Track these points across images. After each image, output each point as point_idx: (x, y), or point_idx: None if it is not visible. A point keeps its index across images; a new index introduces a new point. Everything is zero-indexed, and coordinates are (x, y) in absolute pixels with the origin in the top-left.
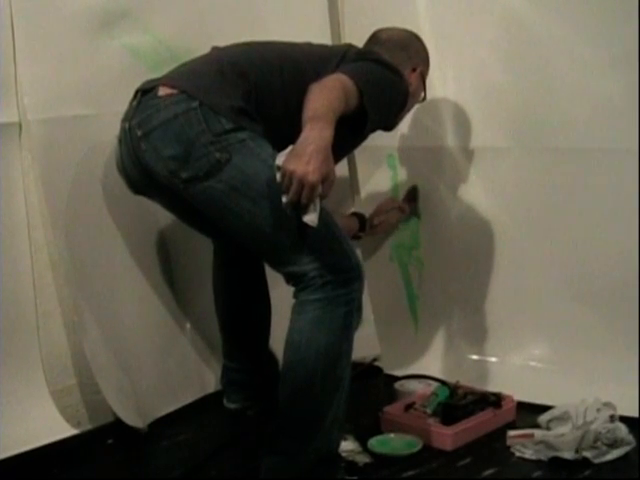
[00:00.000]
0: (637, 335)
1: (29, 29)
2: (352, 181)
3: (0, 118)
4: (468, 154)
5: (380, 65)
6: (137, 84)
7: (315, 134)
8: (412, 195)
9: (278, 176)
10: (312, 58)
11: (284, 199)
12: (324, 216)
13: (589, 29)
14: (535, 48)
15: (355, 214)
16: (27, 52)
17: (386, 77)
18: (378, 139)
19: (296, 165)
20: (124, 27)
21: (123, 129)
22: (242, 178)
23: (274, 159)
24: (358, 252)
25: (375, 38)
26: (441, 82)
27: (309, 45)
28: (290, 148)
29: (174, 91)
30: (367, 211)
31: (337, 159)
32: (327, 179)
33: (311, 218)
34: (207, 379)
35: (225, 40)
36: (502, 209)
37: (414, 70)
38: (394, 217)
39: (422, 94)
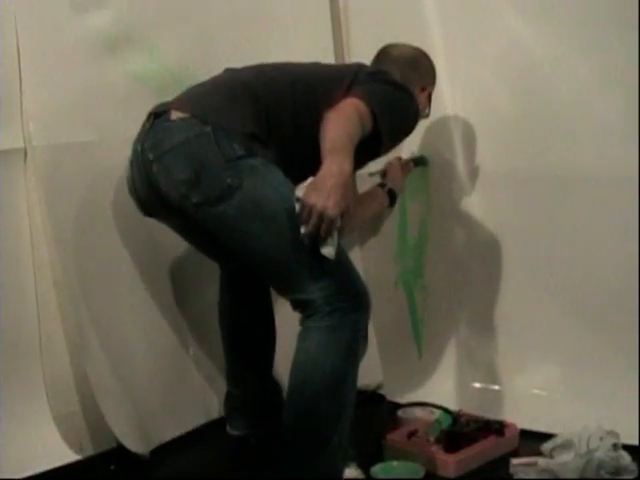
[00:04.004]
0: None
1: (35, 55)
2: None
3: (5, 144)
4: (472, 177)
5: (392, 87)
6: (142, 109)
7: (335, 168)
8: (418, 161)
9: (297, 207)
10: (323, 79)
11: (302, 230)
12: None
13: (592, 55)
14: (538, 73)
15: (382, 185)
16: (33, 78)
17: (399, 99)
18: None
19: (316, 199)
20: (129, 52)
21: (135, 151)
22: (253, 204)
23: (285, 186)
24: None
25: (385, 55)
26: (450, 101)
27: (320, 65)
28: (310, 180)
29: (186, 115)
30: None
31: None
32: (346, 213)
33: (329, 251)
34: (211, 405)
35: (230, 63)
36: (506, 235)
37: (423, 89)
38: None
39: (427, 110)
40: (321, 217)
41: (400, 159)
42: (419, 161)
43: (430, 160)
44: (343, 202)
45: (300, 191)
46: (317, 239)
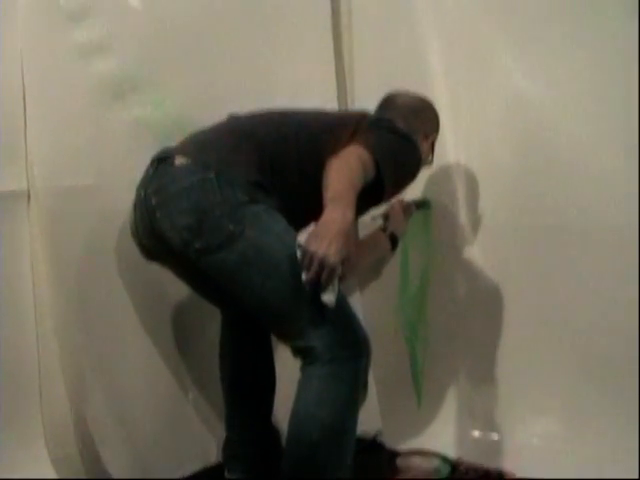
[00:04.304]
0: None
1: (40, 99)
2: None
3: (9, 186)
4: (474, 227)
5: (395, 135)
6: (145, 155)
7: (337, 216)
8: (420, 204)
9: (299, 253)
10: (327, 127)
11: (304, 276)
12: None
13: (593, 109)
14: (540, 127)
15: (383, 229)
16: (37, 121)
17: (401, 147)
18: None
19: (318, 246)
20: (133, 98)
21: (139, 196)
22: (255, 251)
23: (288, 234)
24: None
25: (389, 102)
26: (453, 150)
27: (324, 113)
28: (312, 227)
29: (190, 161)
30: None
31: None
32: (347, 261)
33: (329, 298)
34: (210, 450)
35: (233, 110)
36: (507, 285)
37: (426, 138)
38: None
39: (430, 158)
40: (322, 264)
41: (402, 202)
42: (421, 204)
43: (433, 209)
44: (344, 250)
45: (302, 237)
46: (318, 286)
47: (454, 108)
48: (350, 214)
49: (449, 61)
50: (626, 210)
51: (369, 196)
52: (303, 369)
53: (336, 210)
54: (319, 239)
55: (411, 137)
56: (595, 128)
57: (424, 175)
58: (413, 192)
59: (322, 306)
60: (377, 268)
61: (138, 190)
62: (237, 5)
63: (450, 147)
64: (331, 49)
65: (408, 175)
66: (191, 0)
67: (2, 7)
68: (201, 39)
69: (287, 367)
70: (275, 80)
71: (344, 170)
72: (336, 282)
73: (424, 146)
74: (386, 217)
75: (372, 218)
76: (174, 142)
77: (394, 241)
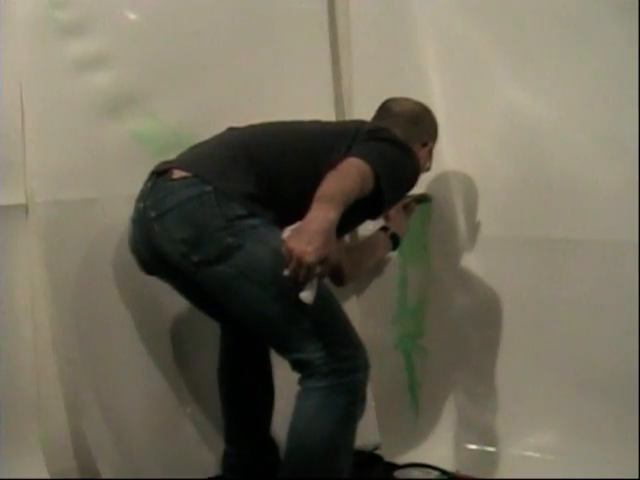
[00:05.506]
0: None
1: (38, 113)
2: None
3: (7, 200)
4: (472, 238)
5: (393, 145)
6: (142, 168)
7: (320, 215)
8: (421, 199)
9: (283, 249)
10: (325, 139)
11: (285, 272)
12: (332, 304)
13: (591, 120)
14: (538, 138)
15: (384, 228)
16: (35, 135)
17: (400, 159)
18: None
19: (296, 243)
20: (130, 112)
21: (137, 210)
22: (252, 265)
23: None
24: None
25: (386, 110)
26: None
27: (321, 124)
28: (297, 224)
29: (188, 174)
30: None
31: (347, 232)
32: (326, 261)
33: (306, 295)
34: (208, 463)
35: (231, 123)
36: (505, 298)
37: (424, 145)
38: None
39: (428, 164)
40: (299, 262)
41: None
42: (422, 199)
43: (431, 219)
44: (323, 249)
45: (286, 233)
46: (297, 283)
47: (451, 119)
48: (333, 215)
49: (446, 71)
50: (625, 222)
51: (369, 206)
52: (301, 382)
53: (320, 210)
54: (299, 236)
55: (409, 147)
56: (592, 139)
57: (423, 180)
58: None
59: (301, 304)
60: (375, 279)
61: (136, 203)
62: (234, 18)
63: (447, 157)
64: (329, 61)
65: (406, 184)
66: (188, 14)
67: None
68: (198, 53)
69: (286, 380)
70: (272, 95)
71: (337, 178)
72: (315, 281)
73: (422, 153)
74: (387, 217)
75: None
76: (171, 156)
77: (395, 240)
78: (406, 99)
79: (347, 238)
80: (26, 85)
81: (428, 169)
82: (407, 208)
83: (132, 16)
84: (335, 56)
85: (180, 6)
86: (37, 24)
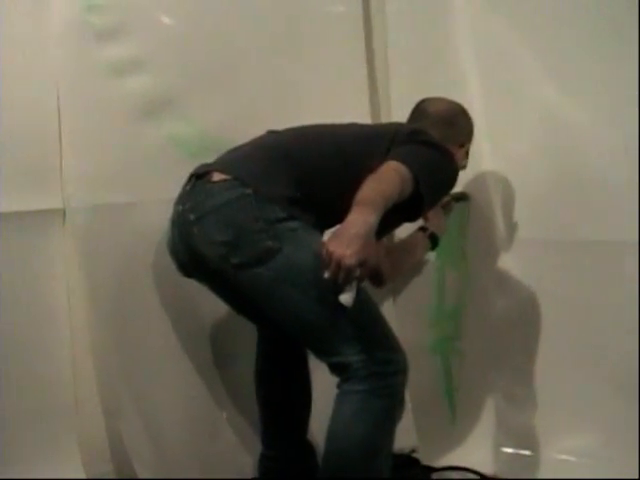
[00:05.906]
0: None
1: (74, 118)
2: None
3: (44, 204)
4: (509, 242)
5: (432, 148)
6: (179, 172)
7: (360, 218)
8: (459, 197)
9: (323, 252)
10: (363, 141)
11: (325, 275)
12: (370, 307)
13: (622, 120)
14: (571, 139)
15: (423, 229)
16: (72, 140)
17: (438, 162)
18: None
19: (336, 246)
20: (166, 116)
21: (176, 212)
22: (291, 268)
23: None
24: None
25: (421, 111)
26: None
27: (358, 126)
28: (337, 227)
29: (228, 177)
30: None
31: (386, 234)
32: (365, 264)
33: (345, 298)
34: (245, 466)
35: (267, 127)
36: (542, 300)
37: (461, 146)
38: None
39: (464, 162)
40: (338, 265)
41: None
42: (460, 197)
43: (469, 221)
44: (362, 253)
45: (327, 236)
46: (337, 286)
47: (488, 119)
48: (373, 219)
49: (483, 71)
50: None
51: (409, 209)
52: (340, 386)
53: (360, 213)
54: (338, 239)
55: (447, 149)
56: (629, 143)
57: (459, 184)
58: None
59: (340, 307)
60: (412, 282)
61: (175, 206)
62: (267, 21)
63: (485, 158)
64: (364, 62)
65: (445, 188)
66: (222, 18)
67: (36, 27)
68: (232, 56)
69: (324, 383)
70: (307, 97)
71: (377, 181)
72: (354, 284)
73: (459, 155)
74: (425, 217)
75: None
76: (207, 159)
77: (434, 240)
78: (440, 99)
79: (385, 239)
80: (63, 90)
81: (464, 167)
82: (446, 207)
83: (167, 20)
84: (370, 57)
85: (215, 10)
86: (73, 29)
